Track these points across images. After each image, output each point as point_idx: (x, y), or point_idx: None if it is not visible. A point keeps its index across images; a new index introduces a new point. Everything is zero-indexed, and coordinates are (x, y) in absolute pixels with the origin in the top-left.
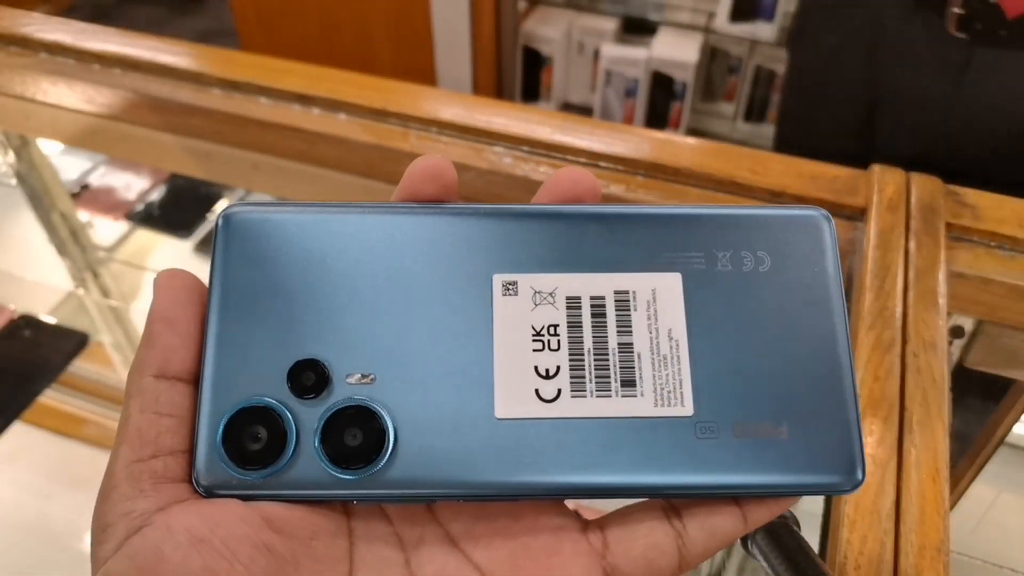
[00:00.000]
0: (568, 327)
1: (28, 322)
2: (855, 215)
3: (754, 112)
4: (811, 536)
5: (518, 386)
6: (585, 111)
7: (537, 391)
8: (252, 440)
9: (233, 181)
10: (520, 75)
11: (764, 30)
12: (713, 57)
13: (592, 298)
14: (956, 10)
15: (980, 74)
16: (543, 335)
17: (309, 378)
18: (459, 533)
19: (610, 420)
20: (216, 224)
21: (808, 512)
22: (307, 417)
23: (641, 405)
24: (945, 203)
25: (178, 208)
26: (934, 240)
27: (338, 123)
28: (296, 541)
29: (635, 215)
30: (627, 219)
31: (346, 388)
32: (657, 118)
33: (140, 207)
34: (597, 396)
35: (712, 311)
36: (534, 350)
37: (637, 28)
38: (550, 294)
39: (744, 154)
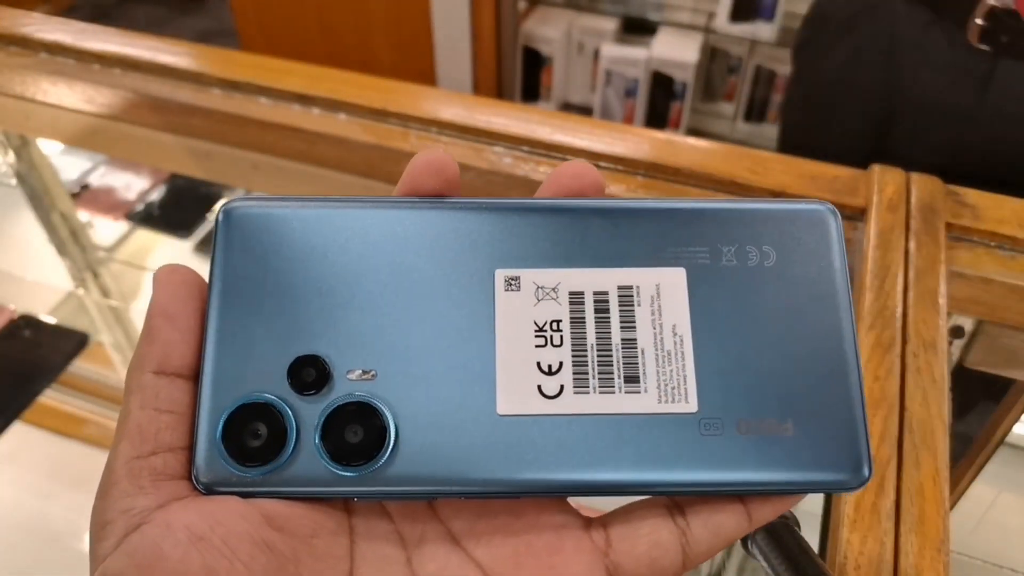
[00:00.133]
0: (571, 322)
1: (28, 322)
2: (855, 215)
3: (754, 112)
4: (811, 536)
5: (520, 382)
6: (585, 111)
7: (539, 387)
8: (252, 437)
9: (233, 181)
10: (520, 75)
11: (764, 30)
12: (713, 57)
13: (595, 293)
14: (979, 22)
15: (1004, 86)
16: (546, 330)
17: (310, 374)
18: (461, 531)
19: (613, 416)
20: (216, 218)
21: (808, 512)
22: (308, 413)
23: (644, 401)
24: (945, 203)
25: (178, 208)
26: (934, 240)
27: (338, 123)
28: (297, 539)
29: (639, 209)
30: (631, 213)
31: (347, 384)
32: (657, 118)
33: (140, 207)
34: (600, 392)
35: (717, 306)
36: (537, 346)
37: (637, 28)
38: (553, 289)
39: (744, 154)
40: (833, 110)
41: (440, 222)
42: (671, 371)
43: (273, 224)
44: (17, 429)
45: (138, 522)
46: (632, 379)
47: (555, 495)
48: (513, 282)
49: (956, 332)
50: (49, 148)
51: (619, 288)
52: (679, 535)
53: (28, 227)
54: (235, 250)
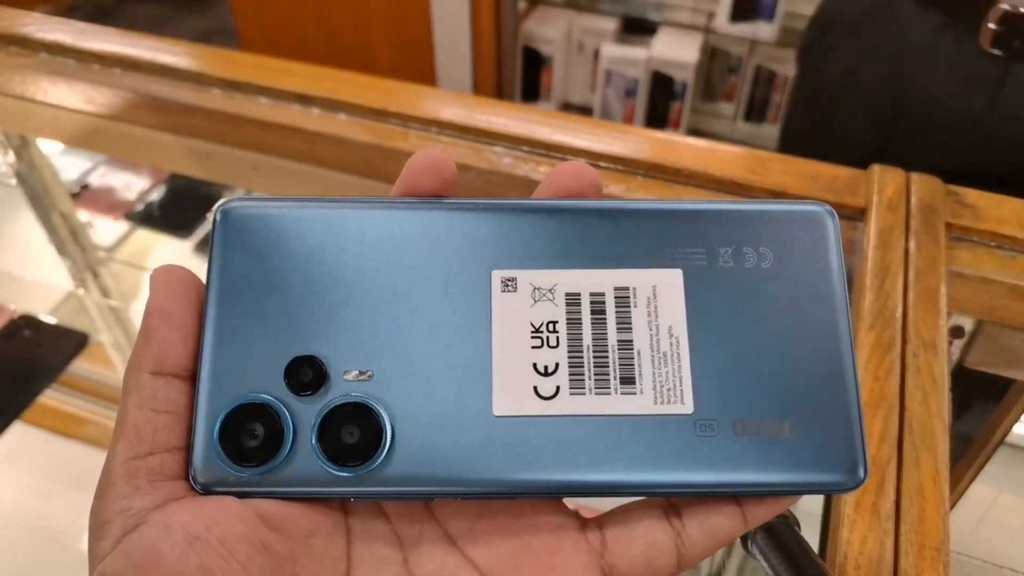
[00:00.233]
0: (567, 324)
1: (28, 322)
2: (855, 215)
3: (754, 112)
4: (811, 536)
5: (517, 383)
6: (585, 111)
7: (536, 388)
8: (249, 437)
9: (233, 181)
10: (520, 75)
11: (764, 30)
12: (713, 57)
13: (592, 294)
14: (992, 26)
15: (1015, 91)
16: (542, 332)
17: (306, 375)
18: (457, 531)
19: (609, 418)
20: (214, 218)
21: (808, 512)
22: (304, 414)
23: (641, 403)
24: (945, 203)
25: (178, 208)
26: (934, 240)
27: (338, 123)
28: (293, 539)
29: (636, 210)
30: (628, 214)
31: (344, 385)
32: (657, 118)
33: (140, 207)
34: (596, 393)
35: (713, 308)
36: (533, 347)
37: (637, 28)
38: (549, 290)
39: (744, 154)
40: (838, 113)
41: (437, 223)
42: (667, 372)
43: (270, 224)
44: (17, 429)
45: (136, 522)
46: (628, 380)
47: (551, 496)
48: (510, 283)
49: (956, 332)
50: (49, 148)
51: (615, 289)
52: (674, 536)
53: (28, 227)
54: (233, 250)
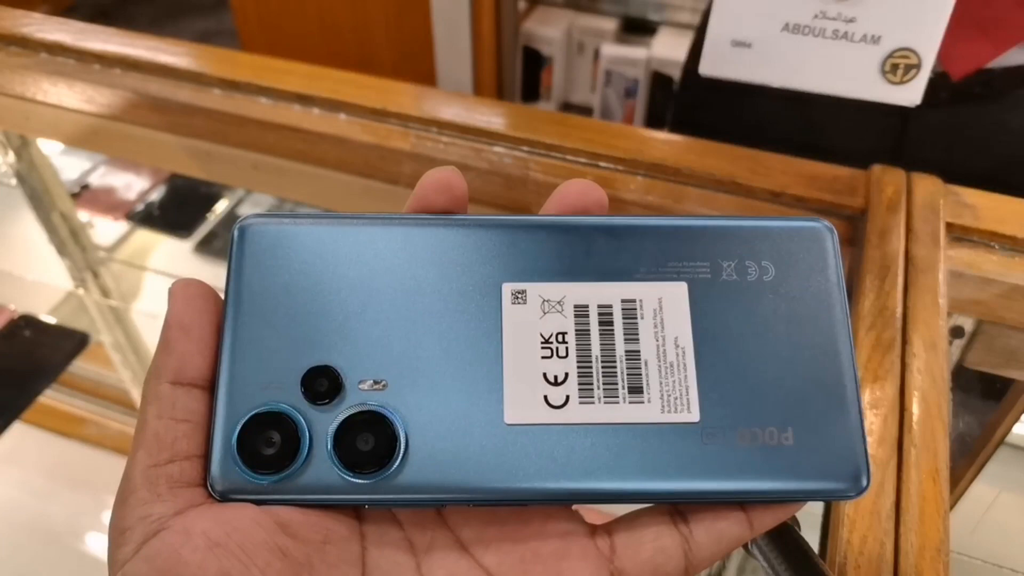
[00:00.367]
0: (576, 335)
1: (28, 322)
2: (855, 215)
3: None
4: (811, 536)
5: (527, 392)
6: (585, 111)
7: (546, 397)
8: (266, 445)
9: (233, 181)
10: (520, 75)
11: None
12: None
13: (600, 306)
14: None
15: (919, 136)
16: (552, 342)
17: (322, 384)
18: (469, 538)
19: (618, 426)
20: (232, 235)
21: (808, 512)
22: (320, 422)
23: (648, 411)
24: (945, 203)
25: (178, 208)
26: (934, 240)
27: (338, 123)
28: (310, 545)
29: (642, 226)
30: (634, 230)
31: (359, 394)
32: (657, 118)
33: (140, 207)
34: (605, 402)
35: (717, 319)
36: (543, 357)
37: (637, 28)
38: (558, 302)
39: (744, 154)
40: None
41: (449, 238)
42: (674, 382)
43: (286, 240)
44: (17, 429)
45: (156, 528)
46: (636, 390)
47: (561, 503)
48: (520, 296)
49: (956, 332)
50: (49, 148)
51: (623, 302)
52: (682, 542)
53: (28, 227)
54: (250, 265)
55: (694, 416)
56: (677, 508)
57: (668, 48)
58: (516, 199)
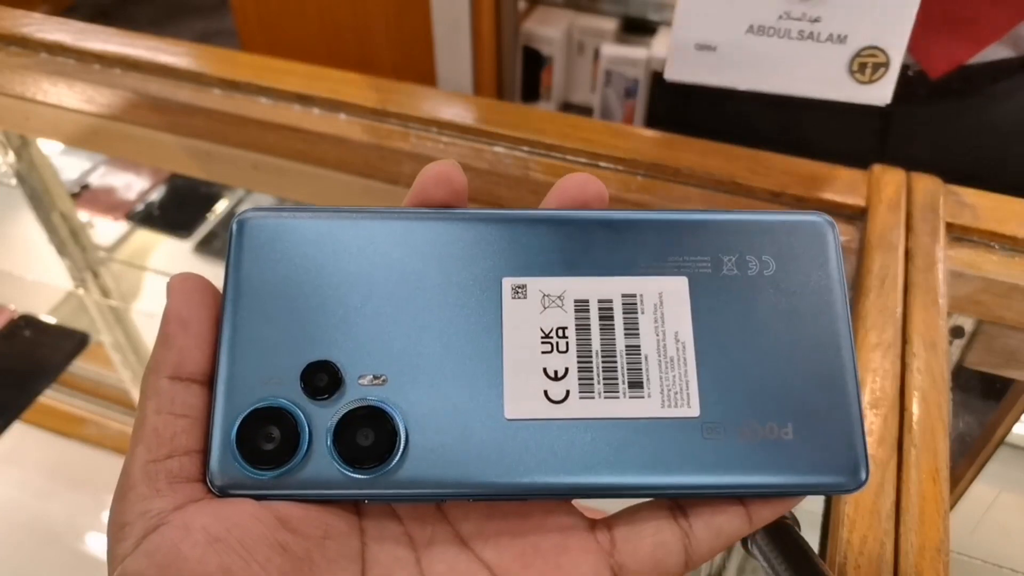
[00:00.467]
0: (576, 329)
1: (28, 322)
2: (855, 215)
3: None
4: (811, 536)
5: (527, 387)
6: (585, 111)
7: (546, 392)
8: (265, 440)
9: (233, 181)
10: (520, 75)
11: None
12: None
13: (600, 301)
14: None
15: (902, 134)
16: (552, 337)
17: (322, 379)
18: (469, 532)
19: (618, 421)
20: (230, 228)
21: (808, 512)
22: (320, 418)
23: (648, 406)
24: (945, 203)
25: (178, 208)
26: (934, 240)
27: (338, 123)
28: (310, 540)
29: (642, 220)
30: (634, 224)
31: (358, 389)
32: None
33: (140, 207)
34: (605, 397)
35: (718, 314)
36: (543, 352)
37: (637, 28)
38: (558, 297)
39: (744, 154)
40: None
41: (448, 232)
42: (674, 376)
43: (285, 234)
44: (17, 429)
45: (156, 523)
46: (636, 384)
47: (561, 497)
48: (520, 290)
49: (956, 332)
50: (49, 148)
51: (623, 296)
52: (682, 536)
53: (28, 227)
54: (248, 259)
55: (694, 411)
56: (677, 502)
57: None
58: (516, 199)
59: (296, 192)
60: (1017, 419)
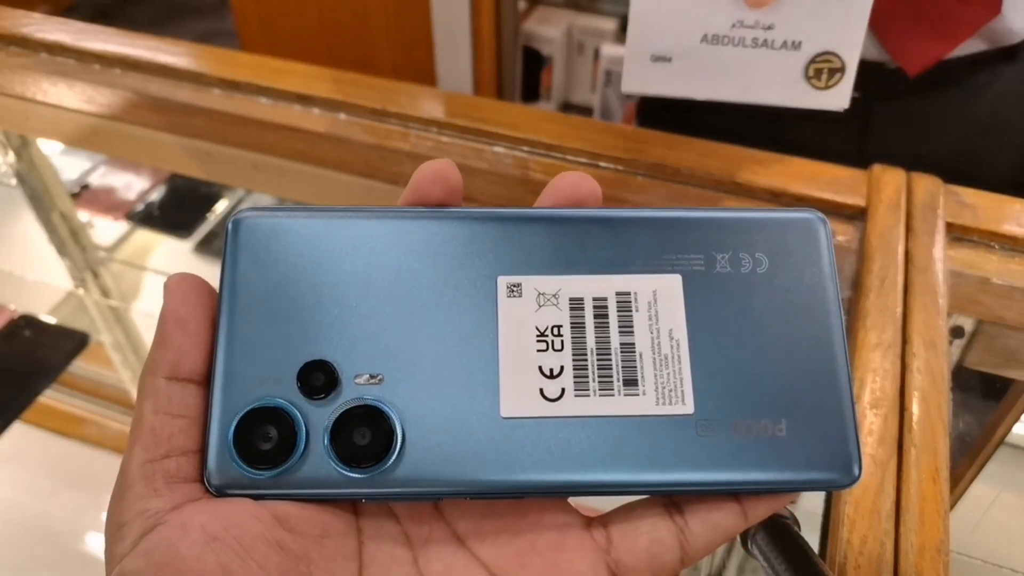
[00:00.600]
0: (571, 327)
1: (28, 322)
2: (855, 215)
3: None
4: (811, 536)
5: (523, 385)
6: (585, 111)
7: (541, 390)
8: (263, 440)
9: (233, 181)
10: (520, 75)
11: None
12: None
13: (594, 299)
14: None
15: (881, 130)
16: (547, 335)
17: (318, 379)
18: (466, 531)
19: (613, 418)
20: (226, 228)
21: (808, 512)
22: (317, 417)
23: (643, 404)
24: (945, 203)
25: (178, 208)
26: (934, 240)
27: (338, 123)
28: (307, 539)
29: (636, 218)
30: (628, 222)
31: (355, 388)
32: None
33: (140, 207)
34: (600, 395)
35: (711, 312)
36: (538, 350)
37: None
38: (553, 295)
39: (744, 154)
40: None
41: (444, 231)
42: (668, 374)
43: (281, 233)
44: (17, 429)
45: (154, 523)
46: (631, 382)
47: (557, 495)
48: (515, 289)
49: (956, 332)
50: (49, 148)
51: (617, 294)
52: (677, 532)
53: (28, 227)
54: (245, 259)
55: (688, 408)
56: (672, 499)
57: None
58: (516, 199)
59: (296, 192)
60: (1017, 419)
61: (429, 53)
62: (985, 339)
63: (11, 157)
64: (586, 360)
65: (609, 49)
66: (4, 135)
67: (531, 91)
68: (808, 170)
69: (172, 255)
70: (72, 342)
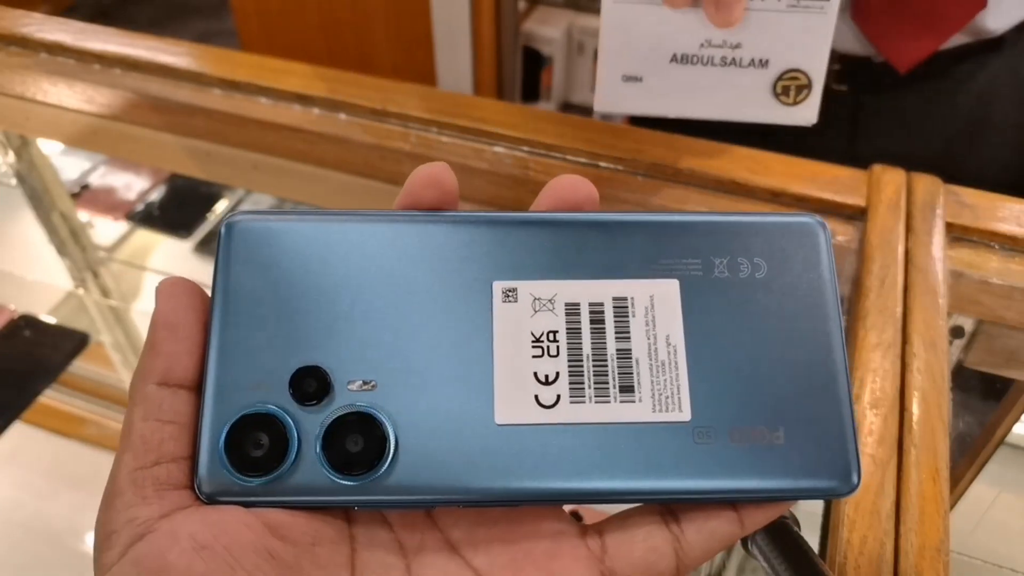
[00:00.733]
0: (567, 333)
1: (28, 322)
2: (855, 215)
3: None
4: (811, 536)
5: (518, 392)
6: (585, 111)
7: (536, 397)
8: (254, 447)
9: (233, 181)
10: (520, 75)
11: None
12: None
13: (591, 304)
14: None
15: (871, 124)
16: (542, 341)
17: (311, 385)
18: (459, 539)
19: (609, 425)
20: (219, 232)
21: (808, 512)
22: (309, 424)
23: (639, 410)
24: (945, 203)
25: (178, 208)
26: (934, 240)
27: (338, 123)
28: (299, 547)
29: (633, 222)
30: (625, 226)
31: (348, 395)
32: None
33: (140, 207)
34: (596, 402)
35: (709, 317)
36: (533, 356)
37: None
38: (549, 300)
39: (744, 154)
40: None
41: (438, 235)
42: (665, 381)
43: (274, 237)
44: (17, 429)
45: (143, 531)
46: (627, 389)
47: (552, 503)
48: (510, 294)
49: (956, 332)
50: (49, 148)
51: (614, 300)
52: (673, 541)
53: (28, 227)
54: (237, 263)
55: (685, 415)
56: (668, 507)
57: None
58: (516, 199)
59: (296, 192)
60: (1017, 419)
61: (429, 53)
62: (985, 339)
63: (11, 157)
64: (582, 366)
65: None
66: (4, 135)
67: (531, 91)
68: (808, 170)
69: (172, 255)
70: (72, 342)
